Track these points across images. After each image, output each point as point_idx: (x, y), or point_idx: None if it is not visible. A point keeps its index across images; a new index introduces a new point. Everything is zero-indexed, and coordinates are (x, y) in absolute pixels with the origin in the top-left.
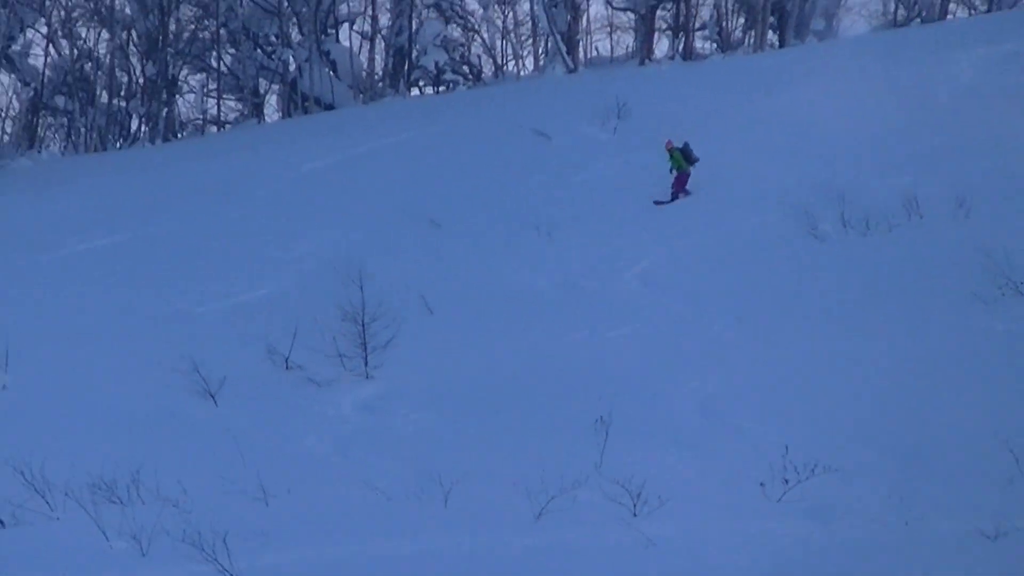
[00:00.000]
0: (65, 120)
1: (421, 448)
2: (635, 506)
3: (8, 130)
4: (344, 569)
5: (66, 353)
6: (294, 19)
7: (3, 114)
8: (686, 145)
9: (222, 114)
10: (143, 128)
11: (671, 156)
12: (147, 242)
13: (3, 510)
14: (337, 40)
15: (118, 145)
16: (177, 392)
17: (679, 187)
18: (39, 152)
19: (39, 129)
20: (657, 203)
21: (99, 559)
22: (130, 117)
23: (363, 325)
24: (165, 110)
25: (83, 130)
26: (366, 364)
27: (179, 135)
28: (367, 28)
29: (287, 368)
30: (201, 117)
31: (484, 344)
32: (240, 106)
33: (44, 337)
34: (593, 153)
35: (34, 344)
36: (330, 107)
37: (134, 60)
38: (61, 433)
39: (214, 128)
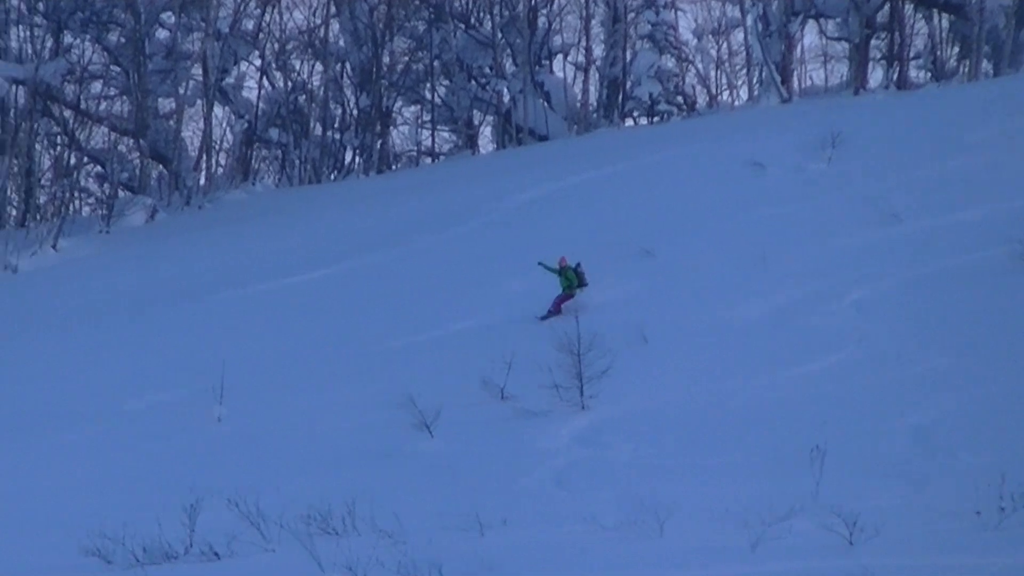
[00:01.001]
0: (279, 152)
1: (636, 478)
2: (851, 535)
3: (222, 162)
4: None
5: (280, 385)
6: (508, 50)
7: (217, 147)
8: (579, 266)
9: (436, 145)
10: (357, 160)
11: (563, 273)
12: (361, 274)
13: (218, 542)
14: (551, 71)
15: (332, 177)
16: (392, 423)
17: (556, 305)
18: (253, 184)
19: (253, 161)
20: (540, 318)
21: None
22: (344, 149)
23: (578, 355)
24: (379, 142)
25: (297, 162)
26: (581, 395)
27: (393, 167)
28: (581, 59)
29: (502, 399)
30: (415, 148)
31: (698, 374)
32: (454, 137)
33: (258, 369)
34: (808, 183)
35: (249, 376)
36: (544, 138)
37: (348, 92)
38: (275, 465)
39: (428, 159)
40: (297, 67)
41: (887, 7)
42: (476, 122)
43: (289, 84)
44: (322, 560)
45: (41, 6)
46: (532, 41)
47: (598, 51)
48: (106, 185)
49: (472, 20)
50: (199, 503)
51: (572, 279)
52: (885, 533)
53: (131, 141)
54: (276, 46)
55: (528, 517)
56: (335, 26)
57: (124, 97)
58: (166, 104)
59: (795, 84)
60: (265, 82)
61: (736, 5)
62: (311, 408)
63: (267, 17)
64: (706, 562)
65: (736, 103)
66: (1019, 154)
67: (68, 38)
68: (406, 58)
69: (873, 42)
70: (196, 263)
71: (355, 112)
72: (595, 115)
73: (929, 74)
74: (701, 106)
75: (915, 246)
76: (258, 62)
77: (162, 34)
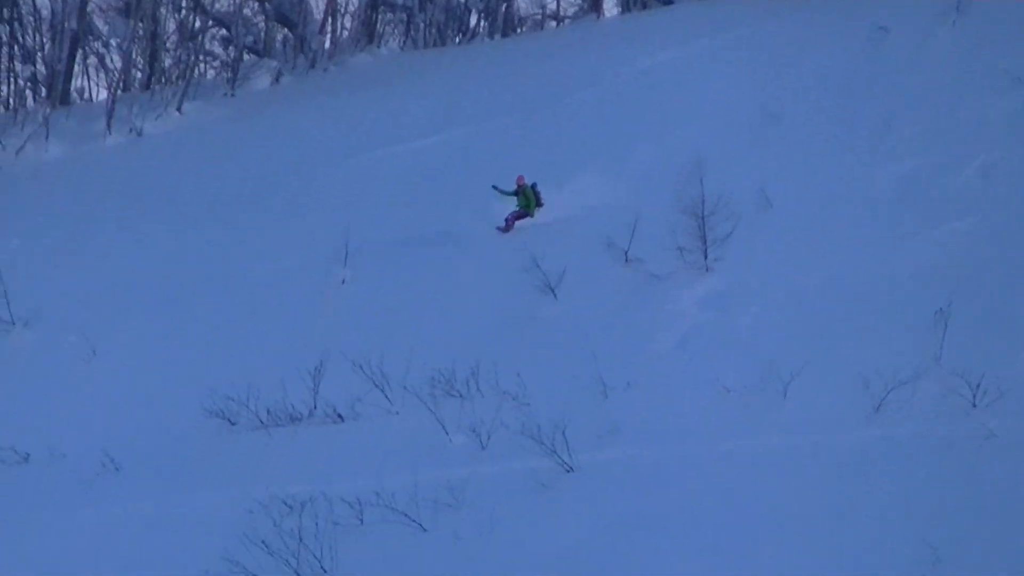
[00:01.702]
0: (404, 16)
1: (760, 342)
2: (975, 398)
3: (347, 26)
4: (684, 466)
5: (404, 248)
6: None
7: (342, 10)
8: (535, 185)
9: (561, 9)
10: (482, 23)
11: (521, 193)
12: (485, 140)
13: (342, 404)
14: None
15: (457, 41)
16: (516, 287)
17: (511, 222)
18: (378, 48)
19: (378, 25)
20: (498, 228)
21: (438, 452)
22: (469, 12)
23: (702, 218)
24: (504, 5)
25: (422, 26)
26: (706, 258)
27: (518, 30)
28: None
29: (626, 262)
30: (540, 12)
31: (823, 238)
32: (579, 1)
33: (382, 232)
34: (934, 48)
35: (373, 239)
36: (668, 2)
37: None
38: (399, 328)
39: (553, 23)
40: None
41: None
42: None
43: None
44: (446, 423)
45: None
46: None
47: None
48: (231, 48)
49: None
50: (323, 366)
51: (531, 197)
52: (1009, 396)
53: (256, 4)
54: None
55: (652, 380)
56: None
57: None
58: None
59: None
60: None
61: None
62: (435, 271)
63: None
64: (829, 426)
65: None
66: None
67: None
68: None
69: None
70: (322, 127)
71: None
72: None
73: None
74: None
75: None
76: None
77: None
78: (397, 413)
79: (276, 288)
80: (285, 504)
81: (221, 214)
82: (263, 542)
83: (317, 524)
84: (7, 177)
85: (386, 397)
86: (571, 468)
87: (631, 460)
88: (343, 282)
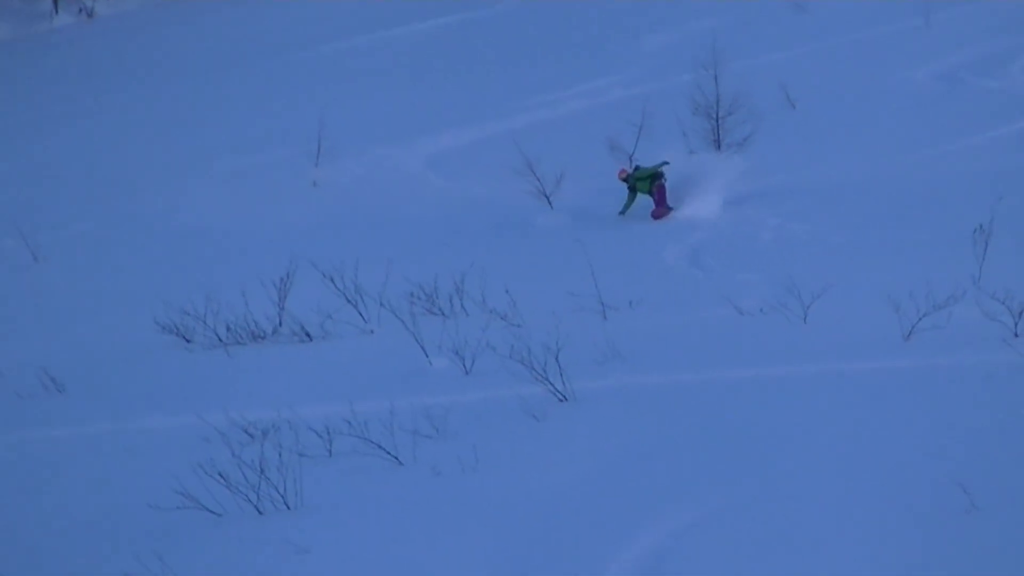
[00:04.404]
0: None
1: (780, 257)
2: (1016, 325)
3: None
4: (692, 396)
5: (383, 146)
6: None
7: None
8: (636, 168)
9: None
10: None
11: (634, 180)
12: (476, 27)
13: (310, 321)
14: None
15: None
16: (507, 192)
17: (661, 206)
18: None
19: None
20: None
21: (416, 377)
22: None
23: (717, 120)
24: None
25: None
26: None
27: None
28: None
29: (632, 165)
30: None
31: (852, 143)
32: None
33: (360, 129)
34: None
35: (350, 136)
36: None
37: None
38: (375, 236)
39: None
40: None
41: None
42: None
43: None
44: (426, 344)
45: None
46: None
47: None
48: None
49: None
50: (290, 278)
51: (644, 178)
52: None
53: None
54: None
55: (659, 299)
56: None
57: None
58: None
59: None
60: None
61: None
62: (415, 172)
63: None
64: (852, 354)
65: None
66: None
67: None
68: None
69: None
70: (290, 9)
71: None
72: None
73: None
74: None
75: None
76: None
77: None
78: (372, 332)
79: (243, 185)
80: (245, 432)
81: (179, 103)
82: (220, 474)
83: (281, 455)
84: None
85: (360, 314)
86: (565, 397)
87: (633, 388)
88: (314, 184)
